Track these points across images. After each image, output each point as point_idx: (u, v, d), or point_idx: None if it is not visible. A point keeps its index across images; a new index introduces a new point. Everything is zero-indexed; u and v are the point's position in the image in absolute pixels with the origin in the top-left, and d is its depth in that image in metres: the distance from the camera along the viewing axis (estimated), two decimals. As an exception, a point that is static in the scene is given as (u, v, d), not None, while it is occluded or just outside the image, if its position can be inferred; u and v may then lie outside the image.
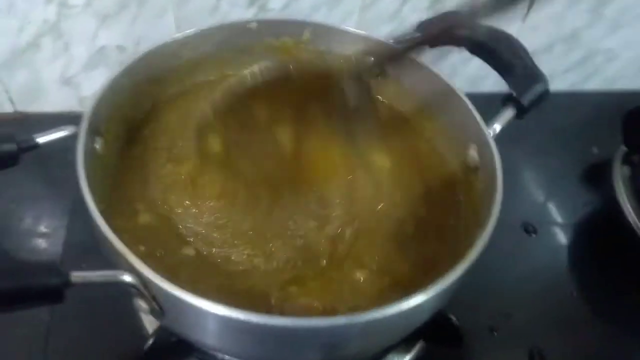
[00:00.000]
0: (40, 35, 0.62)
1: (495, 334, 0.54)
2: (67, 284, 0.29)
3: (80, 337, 0.49)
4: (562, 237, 0.64)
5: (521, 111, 0.45)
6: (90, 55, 0.65)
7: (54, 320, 0.49)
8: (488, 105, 0.46)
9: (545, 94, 0.45)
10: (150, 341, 0.44)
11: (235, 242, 0.42)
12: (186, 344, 0.41)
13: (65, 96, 0.69)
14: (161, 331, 0.45)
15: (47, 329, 0.49)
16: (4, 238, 0.57)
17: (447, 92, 0.47)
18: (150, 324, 0.47)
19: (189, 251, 0.41)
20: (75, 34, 0.63)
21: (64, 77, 0.67)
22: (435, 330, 0.42)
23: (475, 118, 0.44)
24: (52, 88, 0.68)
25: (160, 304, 0.32)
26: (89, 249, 0.48)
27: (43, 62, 0.65)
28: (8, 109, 0.69)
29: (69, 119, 0.68)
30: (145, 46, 0.63)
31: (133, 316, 0.48)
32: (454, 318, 0.48)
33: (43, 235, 0.58)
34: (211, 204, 0.44)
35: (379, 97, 0.54)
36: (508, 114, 0.45)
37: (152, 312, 0.33)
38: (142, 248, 0.39)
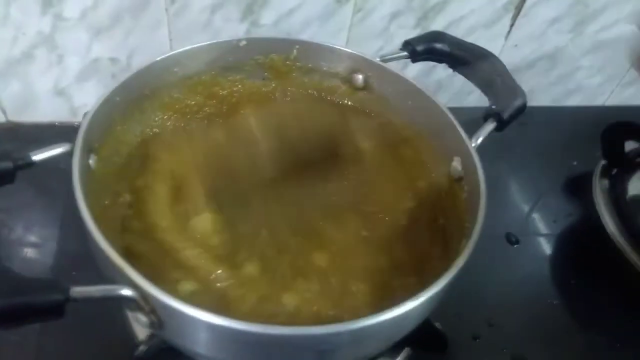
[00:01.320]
0: (35, 46, 0.63)
1: (479, 341, 0.55)
2: (68, 299, 0.29)
3: (70, 343, 0.49)
4: (544, 248, 0.66)
5: (501, 124, 0.47)
6: (84, 66, 0.66)
7: (44, 327, 0.50)
8: (472, 118, 0.48)
9: (524, 108, 0.47)
10: (141, 348, 0.45)
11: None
12: (176, 351, 0.41)
13: (58, 107, 0.70)
14: (152, 338, 0.45)
15: (38, 336, 0.50)
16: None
17: (431, 107, 0.49)
18: (141, 331, 0.48)
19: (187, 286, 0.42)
20: (69, 46, 0.64)
21: (57, 87, 0.68)
22: (421, 337, 0.43)
23: (458, 131, 0.45)
24: (45, 98, 0.69)
25: (160, 317, 0.33)
26: (81, 258, 0.49)
27: (36, 72, 0.66)
28: (0, 118, 0.70)
29: (61, 129, 0.70)
30: (138, 60, 0.66)
31: (123, 323, 0.49)
32: (439, 325, 0.49)
33: (34, 246, 0.58)
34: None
35: (366, 110, 0.55)
36: (489, 126, 0.46)
37: (151, 325, 0.33)
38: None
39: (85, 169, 0.39)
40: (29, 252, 0.57)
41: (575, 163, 0.76)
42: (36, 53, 0.64)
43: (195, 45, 0.49)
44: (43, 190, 0.61)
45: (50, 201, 0.61)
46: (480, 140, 0.45)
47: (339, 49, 0.52)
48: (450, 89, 0.81)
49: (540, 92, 0.85)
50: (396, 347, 0.50)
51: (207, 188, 0.46)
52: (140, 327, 0.45)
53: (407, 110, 0.52)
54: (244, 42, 0.51)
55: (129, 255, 0.39)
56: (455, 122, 0.46)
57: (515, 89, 0.47)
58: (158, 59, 0.47)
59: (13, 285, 0.29)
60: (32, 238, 0.59)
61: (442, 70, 0.77)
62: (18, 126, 0.70)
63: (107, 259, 0.33)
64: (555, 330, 0.58)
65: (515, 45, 0.77)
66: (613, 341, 0.58)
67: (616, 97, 0.88)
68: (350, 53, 0.52)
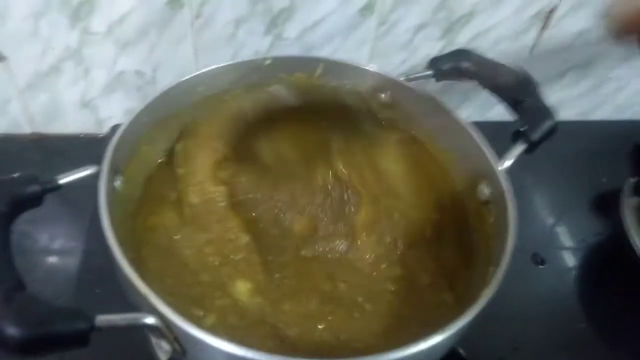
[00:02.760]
0: (62, 60, 0.64)
1: (504, 365, 0.54)
2: (93, 328, 0.29)
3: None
4: (570, 267, 0.64)
5: (531, 146, 0.46)
6: (110, 79, 0.67)
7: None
8: (498, 133, 0.46)
9: (554, 130, 0.47)
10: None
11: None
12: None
13: (84, 119, 0.71)
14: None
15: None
16: (19, 260, 0.57)
17: (457, 127, 0.48)
18: (162, 354, 0.48)
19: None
20: (96, 60, 0.65)
21: (83, 100, 0.69)
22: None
23: (485, 154, 0.45)
24: (71, 111, 0.70)
25: (183, 345, 0.33)
26: (104, 275, 0.49)
27: (63, 85, 0.67)
28: (26, 130, 0.71)
29: (86, 140, 0.71)
30: (163, 73, 0.67)
31: (145, 346, 0.49)
32: (462, 351, 0.48)
33: (58, 258, 0.59)
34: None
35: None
36: (518, 149, 0.45)
37: (174, 352, 0.33)
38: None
39: (112, 191, 0.39)
40: (53, 264, 0.58)
41: (603, 180, 0.74)
42: (64, 66, 0.65)
43: (219, 65, 0.49)
44: (68, 203, 0.61)
45: (75, 214, 0.62)
46: (509, 163, 0.44)
47: (364, 68, 0.52)
48: (475, 100, 0.79)
49: (567, 105, 0.83)
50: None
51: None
52: (161, 349, 0.46)
53: (432, 129, 0.51)
54: (268, 61, 0.50)
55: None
56: (483, 145, 0.45)
57: (545, 110, 0.46)
58: (183, 79, 0.47)
59: (39, 314, 0.29)
60: (57, 250, 0.59)
61: (466, 83, 0.76)
62: (44, 137, 0.71)
63: (132, 286, 0.33)
64: (583, 354, 0.57)
65: (541, 58, 0.76)
66: (642, 363, 0.57)
67: (646, 110, 0.86)
68: (374, 72, 0.52)
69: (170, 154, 0.49)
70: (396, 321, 0.42)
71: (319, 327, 0.41)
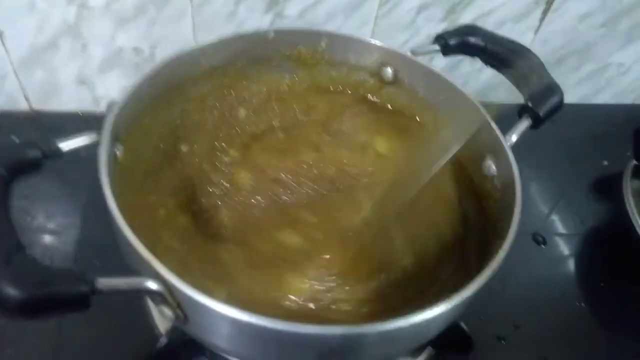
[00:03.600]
0: (59, 35, 0.63)
1: (504, 342, 0.54)
2: (94, 291, 0.29)
3: (91, 332, 0.49)
4: (571, 248, 0.64)
5: (537, 121, 0.45)
6: (107, 56, 0.66)
7: (65, 316, 0.50)
8: (500, 114, 0.46)
9: (560, 105, 0.46)
10: (163, 340, 0.44)
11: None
12: (198, 343, 0.41)
13: (81, 96, 0.70)
14: (174, 330, 0.45)
15: (58, 324, 0.50)
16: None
17: (463, 102, 0.47)
18: (162, 322, 0.47)
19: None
20: (94, 35, 0.64)
21: (80, 76, 0.68)
22: (445, 337, 0.42)
23: (492, 128, 0.44)
24: (68, 87, 0.69)
25: (185, 311, 0.32)
26: (103, 247, 0.49)
27: (60, 61, 0.66)
28: (24, 106, 0.70)
29: (84, 118, 0.70)
30: (162, 50, 0.66)
31: (145, 313, 0.48)
32: (464, 325, 0.48)
33: (56, 233, 0.58)
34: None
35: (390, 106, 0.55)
36: (524, 124, 0.45)
37: (176, 319, 0.33)
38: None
39: (112, 160, 0.39)
40: (51, 240, 0.57)
41: (605, 163, 0.74)
42: (60, 42, 0.64)
43: (222, 37, 0.48)
44: (65, 178, 0.61)
45: (73, 190, 0.61)
46: (514, 138, 0.43)
47: (369, 42, 0.51)
48: (476, 83, 0.79)
49: (570, 89, 0.83)
50: (419, 347, 0.49)
51: None
52: (162, 318, 0.45)
53: (437, 105, 0.51)
54: (272, 34, 0.50)
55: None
56: (490, 119, 0.45)
57: (551, 85, 0.46)
58: (185, 50, 0.46)
59: (39, 276, 0.29)
60: (54, 226, 0.59)
61: (468, 65, 0.75)
62: (41, 115, 0.70)
63: (134, 251, 0.32)
64: (582, 333, 0.57)
65: (545, 41, 0.75)
66: (640, 344, 0.57)
67: (648, 95, 0.86)
68: (380, 46, 0.51)
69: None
70: (403, 294, 0.41)
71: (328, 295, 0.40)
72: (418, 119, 0.53)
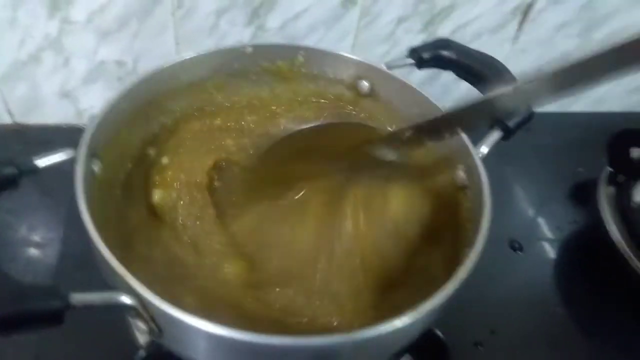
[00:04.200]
0: (42, 49, 0.64)
1: (481, 348, 0.55)
2: (68, 306, 0.29)
3: (70, 348, 0.49)
4: (547, 254, 0.66)
5: (507, 133, 0.46)
6: (90, 69, 0.67)
7: (43, 332, 0.50)
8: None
9: (530, 117, 0.47)
10: (141, 354, 0.45)
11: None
12: (176, 357, 0.42)
13: (64, 109, 0.70)
14: (152, 344, 0.46)
15: (37, 340, 0.50)
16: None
17: (435, 114, 0.48)
18: (141, 336, 0.48)
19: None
20: (76, 49, 0.64)
21: (63, 90, 0.68)
22: (421, 344, 0.43)
23: (462, 139, 0.45)
24: (51, 101, 0.69)
25: (159, 325, 0.33)
26: (84, 260, 0.49)
27: (43, 75, 0.66)
28: (6, 120, 0.70)
29: (67, 131, 0.70)
30: (144, 63, 0.67)
31: (124, 327, 0.49)
32: (439, 333, 0.49)
33: (37, 247, 0.58)
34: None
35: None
36: (495, 135, 0.46)
37: (150, 332, 0.33)
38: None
39: (89, 175, 0.39)
40: (33, 254, 0.58)
41: (580, 169, 0.76)
42: (43, 56, 0.64)
43: (201, 53, 0.49)
44: (47, 192, 0.62)
45: (54, 203, 0.61)
46: (486, 150, 0.45)
47: (344, 56, 0.52)
48: (456, 93, 0.80)
49: (546, 98, 0.84)
50: (396, 354, 0.50)
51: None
52: (140, 332, 0.46)
53: (411, 118, 0.52)
54: (249, 49, 0.51)
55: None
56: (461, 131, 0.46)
57: (521, 98, 0.46)
58: (164, 65, 0.47)
59: (12, 291, 0.29)
60: (36, 239, 0.59)
61: (448, 75, 0.76)
62: (24, 128, 0.71)
63: (107, 265, 0.33)
64: (559, 338, 0.58)
65: (522, 51, 0.77)
66: (617, 349, 0.58)
67: (622, 103, 0.88)
68: (356, 60, 0.52)
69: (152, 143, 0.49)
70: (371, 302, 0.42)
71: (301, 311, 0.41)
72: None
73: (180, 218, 0.47)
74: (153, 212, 0.46)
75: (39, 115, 0.70)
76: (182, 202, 0.48)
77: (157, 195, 0.47)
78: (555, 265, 0.65)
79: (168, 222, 0.47)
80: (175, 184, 0.48)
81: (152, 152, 0.49)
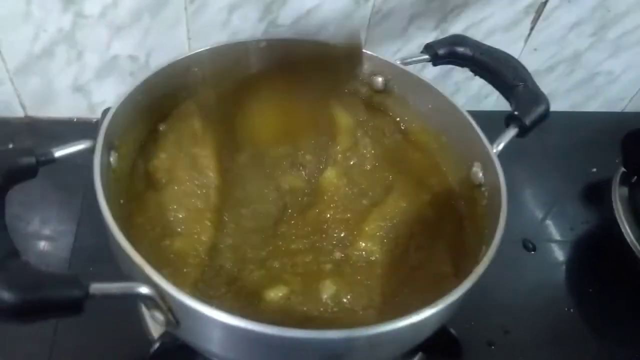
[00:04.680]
0: (55, 43, 0.64)
1: (493, 348, 0.55)
2: (87, 295, 0.29)
3: (85, 338, 0.50)
4: (560, 254, 0.65)
5: (523, 130, 0.46)
6: (103, 63, 0.67)
7: (60, 321, 0.50)
8: (490, 123, 0.47)
9: (546, 114, 0.47)
10: (156, 345, 0.45)
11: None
12: (190, 349, 0.42)
13: (76, 103, 0.70)
14: (166, 335, 0.46)
15: (53, 330, 0.50)
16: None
17: (451, 111, 0.48)
18: (155, 328, 0.48)
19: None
20: (89, 43, 0.65)
21: (76, 84, 0.69)
22: (434, 342, 0.43)
23: (479, 136, 0.45)
24: (64, 94, 0.69)
25: (176, 316, 0.33)
26: (98, 253, 0.49)
27: (56, 69, 0.66)
28: (19, 113, 0.71)
29: (79, 125, 0.71)
30: (157, 58, 0.67)
31: (138, 319, 0.49)
32: (453, 331, 0.49)
33: (50, 239, 0.58)
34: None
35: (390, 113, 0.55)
36: (510, 132, 0.46)
37: (167, 323, 0.33)
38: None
39: (106, 166, 0.39)
40: (46, 246, 0.58)
41: (594, 170, 0.75)
42: (56, 50, 0.64)
43: (215, 45, 0.49)
44: (60, 184, 0.62)
45: (68, 196, 0.62)
46: (501, 146, 0.44)
47: (360, 51, 0.52)
48: (468, 91, 0.80)
49: (559, 97, 0.84)
50: (410, 352, 0.50)
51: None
52: (154, 324, 0.46)
53: (426, 114, 0.52)
54: (263, 43, 0.50)
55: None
56: (477, 127, 0.46)
57: (538, 95, 0.46)
58: (179, 58, 0.47)
59: (33, 280, 0.29)
60: (49, 232, 0.59)
61: (460, 73, 0.76)
62: (37, 121, 0.71)
63: (126, 256, 0.33)
64: (571, 339, 0.58)
65: (535, 49, 0.77)
66: (629, 350, 0.58)
67: (636, 103, 0.87)
68: (371, 55, 0.52)
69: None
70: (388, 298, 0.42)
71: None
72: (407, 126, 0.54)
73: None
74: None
75: (52, 109, 0.71)
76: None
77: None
78: (568, 265, 0.64)
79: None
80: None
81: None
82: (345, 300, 0.40)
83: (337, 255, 0.44)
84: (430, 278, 0.42)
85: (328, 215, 0.46)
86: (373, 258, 0.44)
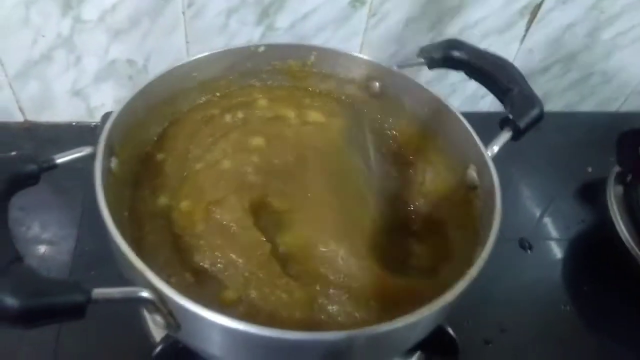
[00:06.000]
0: (54, 48, 0.64)
1: (491, 346, 0.55)
2: (89, 300, 0.30)
3: (88, 342, 0.50)
4: (556, 253, 0.66)
5: (518, 133, 0.46)
6: (101, 68, 0.67)
7: (62, 326, 0.51)
8: (485, 124, 0.48)
9: (540, 117, 0.47)
10: (158, 348, 0.45)
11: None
12: (192, 351, 0.42)
13: (75, 107, 0.71)
14: (168, 338, 0.46)
15: (56, 335, 0.51)
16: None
17: (446, 114, 0.49)
18: (157, 331, 0.48)
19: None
20: (88, 48, 0.65)
21: (75, 88, 0.69)
22: (432, 341, 0.44)
23: (474, 139, 0.46)
24: (63, 99, 0.70)
25: (177, 319, 0.34)
26: (99, 258, 0.50)
27: (55, 73, 0.67)
28: (18, 118, 0.71)
29: (78, 129, 0.71)
30: (155, 62, 0.67)
31: (140, 323, 0.49)
32: (450, 330, 0.49)
33: (51, 244, 0.59)
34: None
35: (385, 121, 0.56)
36: (505, 135, 0.46)
37: (168, 326, 0.34)
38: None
39: (106, 172, 0.40)
40: (47, 251, 0.58)
41: (589, 169, 0.76)
42: (55, 54, 0.65)
43: (213, 51, 0.50)
44: (61, 189, 0.62)
45: (68, 200, 0.62)
46: (496, 149, 0.45)
47: (356, 56, 0.53)
48: (464, 92, 0.81)
49: (554, 97, 0.85)
50: (408, 351, 0.50)
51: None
52: (156, 327, 0.46)
53: (422, 117, 0.52)
54: (262, 48, 0.51)
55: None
56: (472, 131, 0.46)
57: (532, 98, 0.47)
58: (178, 64, 0.48)
59: (36, 286, 0.30)
60: (50, 236, 0.60)
61: (456, 74, 0.76)
62: (36, 126, 0.71)
63: (127, 261, 0.34)
64: (568, 336, 0.58)
65: (530, 50, 0.77)
66: (625, 348, 0.59)
67: (631, 103, 0.88)
68: (367, 60, 0.52)
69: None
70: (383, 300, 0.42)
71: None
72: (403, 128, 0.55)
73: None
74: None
75: (50, 113, 0.71)
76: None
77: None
78: (564, 264, 0.65)
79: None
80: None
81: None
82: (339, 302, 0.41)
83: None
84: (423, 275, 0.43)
85: None
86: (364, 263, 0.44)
